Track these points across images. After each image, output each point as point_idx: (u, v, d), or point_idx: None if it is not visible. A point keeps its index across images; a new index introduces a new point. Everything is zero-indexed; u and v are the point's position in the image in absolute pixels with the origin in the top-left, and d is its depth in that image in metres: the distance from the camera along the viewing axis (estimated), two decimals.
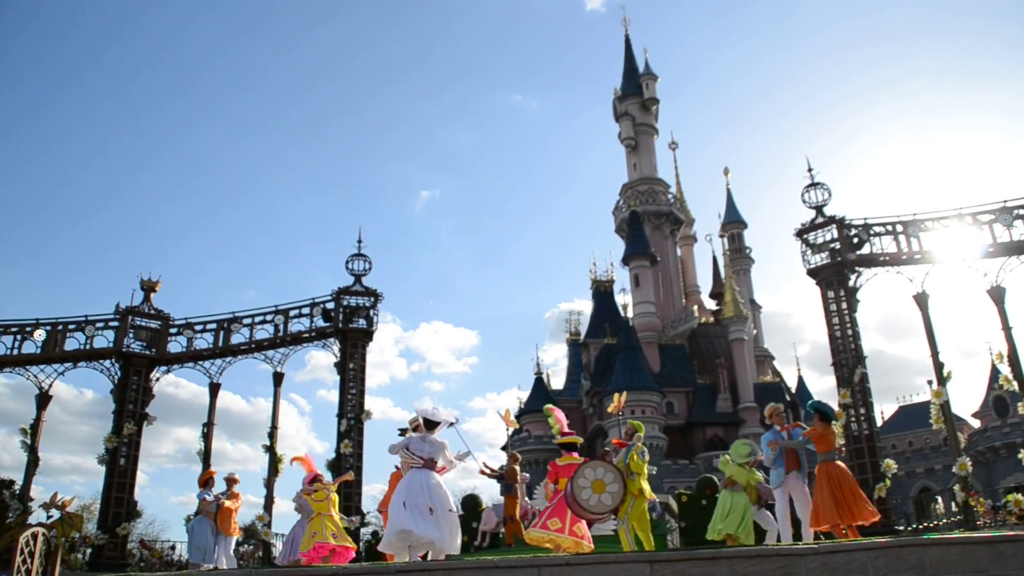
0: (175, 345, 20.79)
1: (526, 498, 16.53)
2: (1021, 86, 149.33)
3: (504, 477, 13.54)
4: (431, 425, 10.06)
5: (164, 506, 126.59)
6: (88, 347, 19.97)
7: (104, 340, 20.06)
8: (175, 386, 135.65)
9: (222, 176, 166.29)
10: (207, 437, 19.90)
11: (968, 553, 8.18)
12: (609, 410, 13.91)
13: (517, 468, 13.93)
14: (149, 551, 19.66)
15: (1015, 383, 17.14)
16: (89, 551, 18.28)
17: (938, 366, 17.60)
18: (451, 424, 10.24)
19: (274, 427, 19.72)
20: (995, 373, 47.65)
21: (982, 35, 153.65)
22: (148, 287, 20.94)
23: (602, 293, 72.03)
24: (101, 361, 20.08)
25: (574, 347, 72.38)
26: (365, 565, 10.47)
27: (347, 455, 19.17)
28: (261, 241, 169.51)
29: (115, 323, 20.21)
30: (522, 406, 65.15)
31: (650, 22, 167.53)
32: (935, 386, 17.47)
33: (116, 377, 20.01)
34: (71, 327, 19.97)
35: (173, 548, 19.87)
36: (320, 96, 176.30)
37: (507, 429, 13.44)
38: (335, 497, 11.57)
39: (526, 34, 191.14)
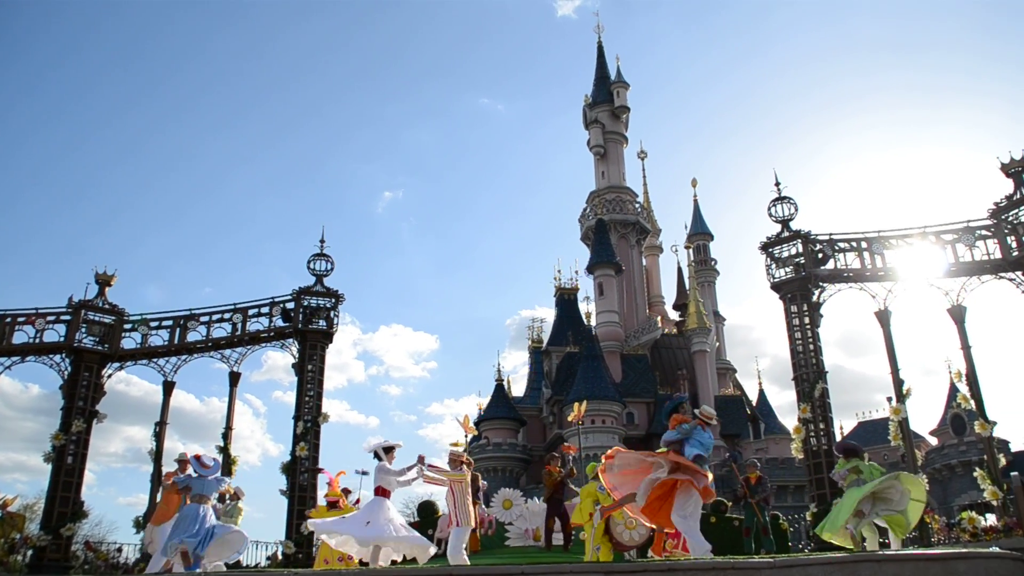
0: (129, 341, 20.35)
1: (483, 506, 16.30)
2: (987, 103, 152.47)
3: None
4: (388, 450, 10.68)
5: (112, 507, 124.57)
6: (38, 341, 19.45)
7: (55, 334, 19.57)
8: (126, 383, 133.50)
9: (185, 174, 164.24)
10: (159, 436, 19.52)
11: (922, 569, 8.22)
12: (569, 419, 13.85)
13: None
14: (94, 553, 19.11)
15: (972, 402, 17.32)
16: (30, 552, 17.78)
17: (898, 383, 17.74)
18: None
19: (228, 428, 19.40)
20: (953, 391, 48.09)
21: (950, 50, 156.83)
22: (103, 281, 20.49)
23: (565, 301, 71.98)
24: (51, 356, 19.60)
25: (536, 355, 72.18)
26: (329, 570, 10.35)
27: (303, 458, 18.88)
28: (221, 239, 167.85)
29: (67, 317, 19.73)
30: (482, 412, 64.80)
31: (621, 30, 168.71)
32: (894, 403, 17.60)
33: (66, 372, 19.54)
34: (20, 320, 19.45)
35: (120, 550, 19.32)
36: (286, 96, 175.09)
37: (465, 436, 13.28)
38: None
39: (495, 38, 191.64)
